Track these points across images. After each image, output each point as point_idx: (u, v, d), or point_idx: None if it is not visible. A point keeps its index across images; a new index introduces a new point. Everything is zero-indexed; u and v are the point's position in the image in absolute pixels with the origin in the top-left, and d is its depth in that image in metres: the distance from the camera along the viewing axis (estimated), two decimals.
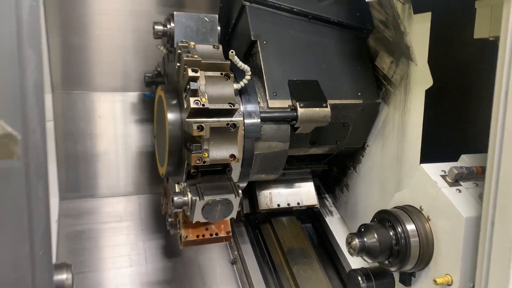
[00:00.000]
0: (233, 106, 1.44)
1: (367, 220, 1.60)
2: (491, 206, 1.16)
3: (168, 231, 1.94)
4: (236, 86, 1.56)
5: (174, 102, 1.59)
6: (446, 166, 1.48)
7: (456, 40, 1.92)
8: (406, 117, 1.80)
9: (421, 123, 1.68)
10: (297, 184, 2.31)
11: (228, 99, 1.44)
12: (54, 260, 0.92)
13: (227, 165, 1.56)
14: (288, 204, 2.24)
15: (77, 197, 2.36)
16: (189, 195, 1.43)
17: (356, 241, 1.46)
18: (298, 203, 2.25)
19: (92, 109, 2.37)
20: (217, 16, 1.72)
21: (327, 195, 2.54)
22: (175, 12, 1.66)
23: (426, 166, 1.48)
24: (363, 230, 1.50)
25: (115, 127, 2.43)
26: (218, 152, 1.44)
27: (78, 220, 2.26)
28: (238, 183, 1.77)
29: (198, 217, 1.46)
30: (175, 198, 1.43)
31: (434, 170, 1.46)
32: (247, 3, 1.87)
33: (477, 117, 1.85)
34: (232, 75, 1.51)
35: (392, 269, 1.49)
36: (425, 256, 1.42)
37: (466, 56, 1.94)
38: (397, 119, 1.86)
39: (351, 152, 2.20)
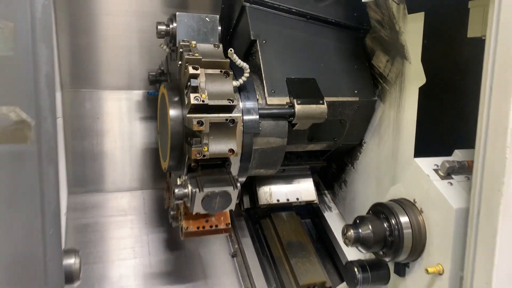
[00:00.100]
0: (232, 102, 1.50)
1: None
2: (477, 197, 1.21)
3: (170, 225, 2.01)
4: (235, 83, 1.62)
5: (176, 99, 1.66)
6: (438, 160, 1.51)
7: (451, 39, 1.96)
8: (401, 114, 1.85)
9: (415, 120, 1.73)
10: (296, 180, 2.36)
11: (227, 95, 1.51)
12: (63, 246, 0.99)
13: (226, 159, 1.63)
14: (288, 200, 2.29)
15: (83, 192, 2.44)
16: (189, 187, 1.50)
17: (351, 232, 1.51)
18: (297, 199, 2.30)
19: (98, 107, 2.45)
20: (217, 16, 1.79)
21: (326, 192, 2.59)
22: (177, 13, 1.73)
23: (420, 160, 1.52)
24: (358, 222, 1.54)
25: (121, 125, 2.50)
26: (217, 147, 1.51)
27: (85, 214, 2.34)
28: (237, 177, 1.84)
29: (198, 208, 1.53)
30: (176, 190, 1.50)
31: (427, 164, 1.50)
32: (247, 4, 1.93)
33: (471, 113, 1.89)
34: (231, 72, 1.57)
35: (386, 259, 1.53)
36: (418, 247, 1.47)
37: (461, 54, 1.98)
38: (393, 116, 1.91)
39: (348, 148, 2.25)
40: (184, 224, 1.69)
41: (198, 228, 1.70)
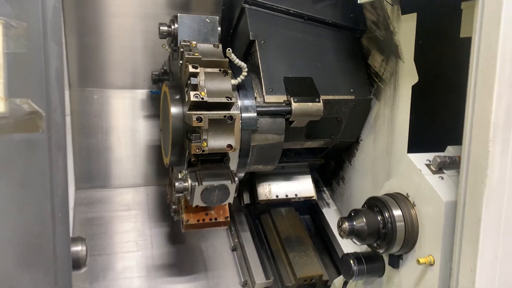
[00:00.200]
0: (230, 100, 1.57)
1: None
2: (463, 189, 1.27)
3: (172, 220, 2.08)
4: (234, 81, 1.69)
5: (177, 97, 1.73)
6: (431, 156, 1.55)
7: (446, 39, 2.01)
8: (395, 111, 1.91)
9: (408, 117, 1.79)
10: (295, 177, 2.42)
11: (225, 93, 1.58)
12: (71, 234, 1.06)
13: (225, 154, 1.69)
14: (286, 195, 2.35)
15: (89, 187, 2.52)
16: (189, 181, 1.57)
17: (346, 225, 1.55)
18: (296, 195, 2.36)
19: (104, 105, 2.53)
20: (217, 17, 1.86)
21: (325, 188, 2.64)
22: (178, 14, 1.80)
23: (412, 156, 1.57)
24: (353, 215, 1.58)
25: (125, 122, 2.58)
26: (216, 142, 1.58)
27: (91, 208, 2.42)
28: (236, 172, 1.91)
29: (197, 201, 1.60)
30: (177, 184, 1.57)
31: (420, 159, 1.54)
32: (247, 6, 2.00)
33: (464, 111, 1.93)
34: (230, 71, 1.64)
35: (380, 251, 1.57)
36: (410, 239, 1.50)
37: (455, 53, 2.03)
38: (387, 114, 1.97)
39: (346, 146, 2.31)
40: (184, 217, 1.76)
41: (198, 220, 1.77)
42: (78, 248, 1.09)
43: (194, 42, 1.67)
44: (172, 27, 1.81)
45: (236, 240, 2.31)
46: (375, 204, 1.59)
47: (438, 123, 2.06)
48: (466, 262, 1.25)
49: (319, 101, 1.85)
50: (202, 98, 1.50)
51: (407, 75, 1.80)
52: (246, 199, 2.40)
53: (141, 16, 2.42)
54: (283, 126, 1.87)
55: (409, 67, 1.77)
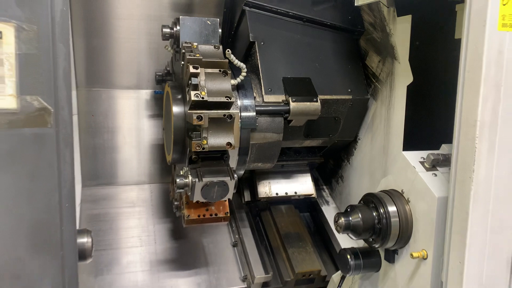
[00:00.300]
0: (230, 99, 1.63)
1: None
2: (453, 185, 1.31)
3: (175, 216, 2.14)
4: (233, 82, 1.75)
5: (179, 96, 1.80)
6: (425, 153, 1.59)
7: (442, 40, 2.05)
8: (391, 111, 1.95)
9: (403, 116, 1.83)
10: (295, 175, 2.47)
11: (225, 93, 1.64)
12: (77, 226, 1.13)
13: (224, 152, 1.76)
14: (286, 193, 2.40)
15: (95, 184, 2.59)
16: (190, 177, 1.63)
17: (342, 220, 1.60)
18: (296, 192, 2.40)
19: (109, 105, 2.60)
20: (218, 20, 1.92)
21: (324, 187, 2.69)
22: (180, 16, 1.87)
23: (407, 153, 1.61)
24: (349, 210, 1.63)
25: (130, 122, 2.64)
26: (216, 140, 1.64)
27: (96, 205, 2.49)
28: (236, 169, 1.97)
29: (197, 197, 1.66)
30: (178, 180, 1.64)
31: (414, 157, 1.59)
32: (247, 8, 2.06)
33: None
34: (229, 72, 1.70)
35: (375, 245, 1.61)
36: (405, 234, 1.54)
37: (450, 54, 2.07)
38: (384, 113, 2.01)
39: (344, 145, 2.35)
40: (186, 212, 1.82)
41: (199, 216, 1.83)
42: (84, 240, 1.16)
43: (195, 44, 1.73)
44: (174, 29, 1.87)
45: (237, 236, 2.37)
46: (370, 200, 1.64)
47: (434, 122, 2.10)
48: (455, 254, 1.30)
49: (316, 101, 1.91)
50: (203, 98, 1.57)
51: (402, 76, 1.85)
52: (247, 196, 2.46)
53: (145, 18, 2.47)
54: (281, 125, 1.93)
55: (404, 67, 1.82)
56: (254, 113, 1.85)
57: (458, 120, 1.29)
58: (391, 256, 1.65)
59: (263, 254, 2.30)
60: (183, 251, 2.31)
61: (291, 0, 2.11)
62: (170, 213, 2.40)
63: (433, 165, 1.56)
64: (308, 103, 1.90)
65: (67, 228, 0.99)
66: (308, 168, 2.50)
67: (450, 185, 1.35)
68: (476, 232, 1.26)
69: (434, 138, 1.72)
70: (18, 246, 0.98)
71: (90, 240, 1.18)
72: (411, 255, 1.48)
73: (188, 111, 1.63)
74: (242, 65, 1.76)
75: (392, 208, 1.58)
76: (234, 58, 1.72)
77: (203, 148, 1.63)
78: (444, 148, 1.66)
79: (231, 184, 1.67)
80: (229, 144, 1.67)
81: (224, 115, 1.63)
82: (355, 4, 1.89)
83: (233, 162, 1.92)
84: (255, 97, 1.89)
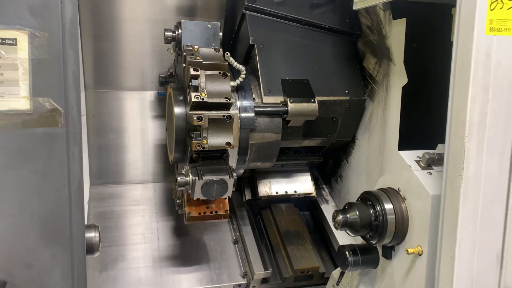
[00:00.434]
0: (229, 101, 1.69)
1: None
2: (444, 183, 1.36)
3: (178, 214, 2.21)
4: (233, 83, 1.81)
5: (181, 98, 1.87)
6: (421, 153, 1.63)
7: (439, 42, 2.09)
8: (387, 111, 2.00)
9: (399, 116, 1.88)
10: (294, 175, 2.52)
11: (225, 94, 1.70)
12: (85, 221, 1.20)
13: (224, 151, 1.82)
14: (286, 192, 2.44)
15: (101, 183, 2.65)
16: (190, 176, 1.70)
17: (340, 217, 1.64)
18: (295, 191, 2.45)
19: (115, 106, 2.67)
20: (219, 23, 1.98)
21: (324, 186, 2.74)
22: (182, 20, 1.93)
23: (403, 153, 1.65)
24: (347, 208, 1.67)
25: (134, 122, 2.70)
26: (215, 140, 1.70)
27: (102, 203, 2.56)
28: (236, 169, 2.04)
29: (198, 194, 1.72)
30: (179, 178, 1.70)
31: (410, 156, 1.63)
32: (247, 12, 2.11)
33: None
34: (229, 74, 1.76)
35: (373, 242, 1.65)
36: (401, 231, 1.58)
37: (446, 56, 2.11)
38: (380, 114, 2.06)
39: (343, 145, 2.40)
40: (187, 209, 1.89)
41: (199, 213, 1.90)
42: (92, 235, 1.23)
43: (196, 47, 1.79)
44: (176, 32, 1.94)
45: (238, 233, 2.43)
46: (368, 198, 1.67)
47: (431, 123, 2.14)
48: (447, 249, 1.34)
49: (314, 102, 1.96)
50: (203, 99, 1.63)
51: (398, 77, 1.90)
52: (248, 195, 2.51)
53: (149, 22, 2.52)
54: (280, 126, 1.99)
55: (399, 69, 1.87)
56: (253, 114, 1.91)
57: (449, 120, 1.34)
58: (388, 253, 1.69)
59: (263, 251, 2.35)
60: (185, 248, 2.37)
61: (290, 4, 2.17)
62: (173, 211, 2.46)
63: (428, 164, 1.59)
64: (306, 104, 1.95)
65: (76, 221, 1.06)
66: (308, 167, 2.55)
67: (442, 183, 1.39)
68: (466, 228, 1.30)
69: (431, 138, 1.77)
70: (31, 238, 1.05)
71: (97, 235, 1.25)
72: (407, 251, 1.52)
73: (189, 112, 1.69)
74: (241, 67, 1.82)
75: (388, 206, 1.61)
76: (233, 60, 1.79)
77: (203, 148, 1.69)
78: (440, 148, 1.70)
79: (230, 182, 1.73)
80: (228, 143, 1.73)
81: (224, 115, 1.69)
82: (354, 8, 1.94)
83: (233, 162, 1.98)
84: (254, 98, 1.96)
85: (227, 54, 1.76)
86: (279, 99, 1.99)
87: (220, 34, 1.98)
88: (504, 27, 1.28)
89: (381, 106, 2.06)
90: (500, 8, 1.27)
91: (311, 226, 2.65)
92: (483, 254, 1.33)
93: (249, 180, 2.51)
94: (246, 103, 1.91)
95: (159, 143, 2.76)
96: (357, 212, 1.64)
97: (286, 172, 2.51)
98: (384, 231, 1.61)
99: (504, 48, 1.26)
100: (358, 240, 1.83)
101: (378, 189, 1.74)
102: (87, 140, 2.56)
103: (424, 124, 2.09)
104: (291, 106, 1.93)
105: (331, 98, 2.09)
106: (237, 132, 1.87)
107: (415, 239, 1.54)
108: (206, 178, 1.68)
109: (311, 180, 2.50)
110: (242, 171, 2.11)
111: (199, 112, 1.65)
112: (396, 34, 1.87)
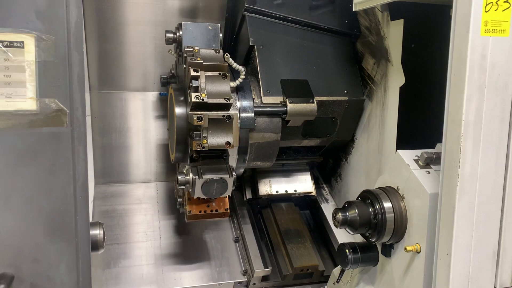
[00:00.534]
0: (229, 101, 1.72)
1: None
2: (441, 181, 1.38)
3: (179, 213, 2.24)
4: (232, 84, 1.84)
5: (182, 98, 1.90)
6: (419, 152, 1.64)
7: (438, 43, 2.11)
8: (385, 111, 2.03)
9: (396, 116, 1.91)
10: (295, 174, 2.55)
11: (224, 95, 1.73)
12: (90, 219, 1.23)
13: (224, 151, 1.85)
14: (286, 191, 2.48)
15: (104, 182, 2.68)
16: (191, 175, 1.73)
17: (339, 215, 1.66)
18: (295, 190, 2.49)
19: (118, 107, 2.70)
20: (219, 25, 2.01)
21: (324, 185, 2.77)
22: (183, 22, 1.96)
23: (402, 152, 1.66)
24: (346, 206, 1.70)
25: (137, 123, 2.74)
26: (215, 140, 1.73)
27: (105, 202, 2.59)
28: (236, 168, 2.07)
29: (198, 193, 1.75)
30: (179, 177, 1.73)
31: (409, 155, 1.64)
32: (247, 13, 2.14)
33: None
34: (229, 75, 1.79)
35: (372, 240, 1.67)
36: (400, 229, 1.59)
37: (445, 56, 2.13)
38: (379, 114, 2.09)
39: (342, 144, 2.43)
40: (188, 208, 1.92)
41: (200, 212, 1.93)
42: (96, 232, 1.27)
43: (196, 48, 1.82)
44: (177, 34, 1.96)
45: (238, 232, 2.46)
46: (367, 197, 1.69)
47: (431, 122, 2.16)
48: (443, 246, 1.36)
49: (313, 102, 1.99)
50: (203, 99, 1.66)
51: (395, 77, 1.92)
52: (249, 194, 2.54)
53: (151, 23, 2.55)
54: (279, 125, 2.02)
55: (397, 69, 1.89)
56: (253, 114, 1.94)
57: (446, 120, 1.36)
58: (387, 250, 1.71)
59: (263, 249, 2.38)
60: (187, 246, 2.40)
61: (289, 6, 2.19)
62: (175, 210, 2.50)
63: (427, 163, 1.61)
64: (305, 104, 1.98)
65: (80, 218, 1.10)
66: (308, 167, 2.58)
67: (439, 181, 1.41)
68: (462, 225, 1.32)
69: (431, 137, 1.79)
70: (38, 233, 1.09)
71: (102, 232, 1.29)
72: (405, 248, 1.53)
73: (189, 112, 1.73)
74: (241, 68, 1.85)
75: (387, 204, 1.63)
76: (232, 61, 1.82)
77: (203, 147, 1.72)
78: (438, 147, 1.71)
79: (230, 181, 1.76)
80: (228, 143, 1.76)
81: (223, 115, 1.72)
82: (354, 9, 1.96)
83: (233, 161, 2.01)
84: (253, 99, 1.99)
85: (226, 55, 1.79)
86: (278, 99, 2.02)
87: (221, 35, 2.00)
88: (499, 28, 1.30)
89: (379, 106, 2.09)
90: (495, 10, 1.29)
91: (311, 225, 2.67)
92: (479, 251, 1.35)
93: (250, 179, 2.54)
94: (246, 103, 1.94)
95: (161, 143, 2.79)
96: (357, 211, 1.66)
97: (286, 172, 2.54)
98: (383, 229, 1.63)
99: (499, 49, 1.28)
100: (357, 239, 1.85)
101: (377, 188, 1.76)
102: (92, 140, 2.60)
103: (424, 124, 2.11)
104: (290, 106, 1.96)
105: (330, 98, 2.12)
106: (237, 132, 1.89)
107: (414, 237, 1.56)
108: (206, 177, 1.71)
109: (311, 179, 2.53)
110: (242, 170, 2.14)
111: (199, 112, 1.69)
112: (393, 35, 1.89)
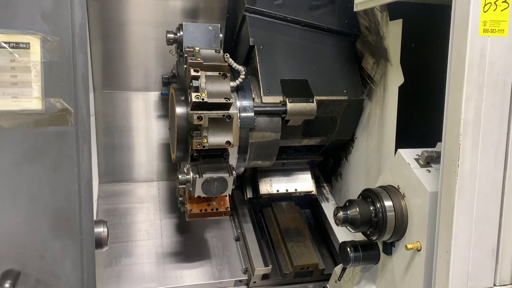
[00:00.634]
0: (229, 101, 1.74)
1: None
2: (440, 179, 1.39)
3: (181, 212, 2.25)
4: (232, 84, 1.86)
5: (183, 98, 1.91)
6: (420, 151, 1.65)
7: (437, 42, 2.12)
8: (384, 111, 2.04)
9: (396, 115, 1.92)
10: (295, 173, 2.56)
11: (224, 94, 1.75)
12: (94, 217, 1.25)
13: (224, 150, 1.87)
14: (287, 190, 2.49)
15: (107, 181, 2.70)
16: (191, 174, 1.75)
17: (340, 213, 1.67)
18: (296, 189, 2.50)
19: (121, 107, 2.72)
20: (219, 25, 2.02)
21: (325, 184, 2.78)
22: (183, 22, 1.97)
23: (403, 151, 1.67)
24: (347, 205, 1.70)
25: (139, 122, 2.76)
26: (215, 139, 1.75)
27: (108, 201, 2.61)
28: (236, 167, 2.08)
29: (198, 192, 1.77)
30: (180, 176, 1.75)
31: (409, 154, 1.65)
32: (247, 14, 2.16)
33: None
34: (229, 75, 1.81)
35: (373, 238, 1.68)
36: (400, 227, 1.60)
37: (445, 56, 2.14)
38: (378, 113, 2.10)
39: (342, 144, 2.44)
40: (188, 206, 1.94)
41: (201, 210, 1.94)
42: (100, 230, 1.29)
43: (197, 48, 1.84)
44: (178, 34, 1.98)
45: (239, 231, 2.48)
46: (368, 195, 1.69)
47: (431, 121, 2.16)
48: (443, 244, 1.37)
49: (312, 102, 2.01)
50: (203, 99, 1.68)
51: (395, 77, 1.94)
52: (249, 193, 2.56)
53: (153, 24, 2.57)
54: (279, 125, 2.03)
55: (396, 69, 1.91)
56: (253, 114, 1.96)
57: (445, 119, 1.37)
58: (388, 249, 1.72)
59: (264, 248, 2.40)
60: (188, 244, 2.41)
61: (289, 6, 2.21)
62: (176, 209, 2.51)
63: (427, 162, 1.61)
64: (305, 103, 2.00)
65: (85, 215, 1.12)
66: (308, 166, 2.59)
67: (439, 180, 1.42)
68: (461, 223, 1.33)
69: (431, 136, 1.80)
70: (43, 230, 1.11)
71: (106, 230, 1.31)
72: (406, 246, 1.54)
73: (190, 112, 1.74)
74: (241, 68, 1.87)
75: (388, 203, 1.64)
76: (232, 61, 1.83)
77: (204, 147, 1.74)
78: (439, 146, 1.71)
79: (230, 180, 1.77)
80: (228, 142, 1.77)
81: (223, 115, 1.74)
82: (354, 10, 1.97)
83: (233, 160, 2.03)
84: (254, 98, 2.00)
85: (226, 55, 1.80)
86: (278, 99, 2.04)
87: (221, 35, 2.02)
88: (497, 28, 1.31)
89: (379, 105, 2.10)
90: (494, 10, 1.31)
91: (311, 224, 2.69)
92: (478, 248, 1.36)
93: (251, 178, 2.55)
94: (246, 103, 1.96)
95: (163, 142, 2.81)
96: (358, 209, 1.66)
97: (287, 171, 2.55)
98: (383, 228, 1.64)
99: (497, 49, 1.30)
100: (358, 238, 1.87)
101: (378, 187, 1.77)
102: (96, 139, 2.62)
103: (425, 123, 2.12)
104: (290, 105, 1.98)
105: (330, 97, 2.13)
106: (237, 131, 1.91)
107: (414, 235, 1.57)
108: (206, 176, 1.73)
109: (312, 178, 2.55)
110: (242, 169, 2.16)
111: (199, 112, 1.70)
112: (393, 34, 1.91)
